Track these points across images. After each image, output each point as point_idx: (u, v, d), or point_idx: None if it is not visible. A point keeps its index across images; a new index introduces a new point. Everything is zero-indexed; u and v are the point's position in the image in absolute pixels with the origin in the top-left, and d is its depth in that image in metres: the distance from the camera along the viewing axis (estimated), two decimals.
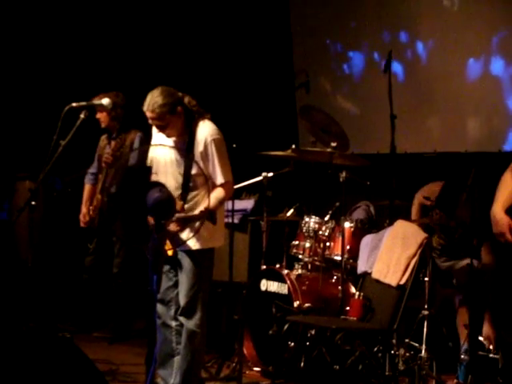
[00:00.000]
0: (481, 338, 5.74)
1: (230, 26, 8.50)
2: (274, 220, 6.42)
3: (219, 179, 4.88)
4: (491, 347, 5.62)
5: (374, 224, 6.28)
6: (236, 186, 6.23)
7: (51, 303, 7.33)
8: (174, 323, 5.04)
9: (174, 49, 8.49)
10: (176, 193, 4.77)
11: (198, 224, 4.76)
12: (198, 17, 8.55)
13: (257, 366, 6.04)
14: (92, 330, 7.07)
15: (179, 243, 4.84)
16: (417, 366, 5.39)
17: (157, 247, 4.46)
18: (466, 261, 5.80)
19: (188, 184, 4.86)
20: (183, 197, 4.83)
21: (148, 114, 4.83)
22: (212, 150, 4.88)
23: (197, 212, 4.78)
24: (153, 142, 5.11)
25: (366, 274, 5.55)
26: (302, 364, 5.56)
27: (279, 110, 8.37)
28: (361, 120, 7.97)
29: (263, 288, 6.05)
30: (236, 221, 6.22)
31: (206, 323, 5.00)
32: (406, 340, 5.62)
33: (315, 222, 6.06)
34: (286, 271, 5.94)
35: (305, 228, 6.08)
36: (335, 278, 5.97)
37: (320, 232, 6.03)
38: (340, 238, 5.73)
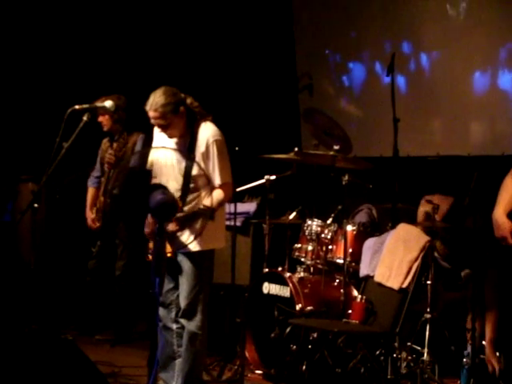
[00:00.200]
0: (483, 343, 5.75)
1: (233, 30, 8.50)
2: (276, 223, 6.42)
3: (218, 180, 4.87)
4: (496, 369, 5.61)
5: (376, 227, 6.27)
6: (238, 189, 6.26)
7: (54, 305, 7.34)
8: (174, 326, 5.04)
9: (177, 52, 8.49)
10: (176, 194, 4.78)
11: (198, 225, 4.77)
12: (202, 20, 8.55)
13: (259, 369, 6.04)
14: (94, 333, 7.06)
15: (179, 246, 4.84)
16: (419, 370, 5.37)
17: (159, 250, 4.46)
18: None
19: (188, 185, 4.86)
20: (183, 198, 4.82)
21: (151, 114, 4.84)
22: (213, 150, 4.88)
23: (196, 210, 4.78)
24: (154, 144, 5.12)
25: (369, 278, 5.55)
26: (304, 367, 5.55)
27: (282, 113, 8.37)
28: (364, 123, 7.97)
29: (265, 291, 6.05)
30: (238, 224, 6.22)
31: (206, 325, 5.00)
32: (408, 343, 5.61)
33: (317, 225, 6.05)
34: (288, 274, 5.94)
35: (307, 231, 6.08)
36: (337, 281, 5.97)
37: (322, 235, 6.02)
38: (342, 241, 5.73)
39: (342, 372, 5.31)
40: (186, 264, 4.92)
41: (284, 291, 5.89)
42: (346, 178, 5.71)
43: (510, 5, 6.92)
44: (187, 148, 4.91)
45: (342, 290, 5.60)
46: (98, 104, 4.91)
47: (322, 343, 5.53)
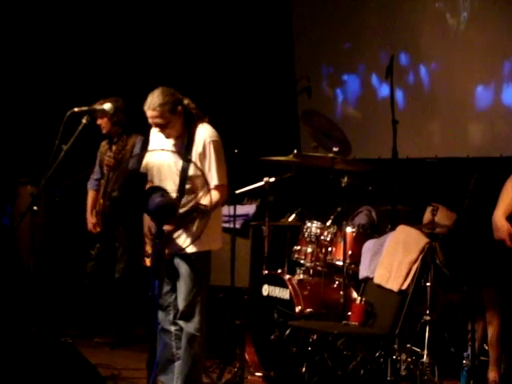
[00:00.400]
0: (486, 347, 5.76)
1: (232, 32, 8.51)
2: (275, 225, 6.42)
3: (214, 181, 4.86)
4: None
5: (375, 229, 6.27)
6: (238, 191, 6.26)
7: (53, 308, 7.34)
8: (173, 328, 5.04)
9: (176, 54, 8.50)
10: (173, 195, 4.77)
11: (195, 228, 4.78)
12: (201, 23, 8.56)
13: (258, 371, 6.04)
14: (94, 335, 7.06)
15: (176, 248, 4.84)
16: (418, 372, 5.38)
17: (158, 252, 4.46)
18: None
19: (184, 186, 4.85)
20: (179, 199, 4.81)
21: (149, 113, 4.85)
22: (210, 151, 4.88)
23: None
24: (150, 146, 5.12)
25: (368, 279, 5.55)
26: (304, 369, 5.54)
27: (281, 115, 8.38)
28: (362, 125, 7.97)
29: (265, 293, 6.05)
30: (238, 226, 6.22)
31: (205, 327, 4.99)
32: (408, 345, 5.61)
33: (317, 227, 6.05)
34: (287, 276, 5.94)
35: (306, 233, 6.08)
36: (337, 283, 5.96)
37: (322, 237, 6.02)
38: (342, 243, 5.73)
39: (342, 374, 5.31)
40: (183, 266, 4.92)
41: (283, 293, 5.89)
42: (346, 180, 5.71)
43: None
44: (184, 149, 4.91)
45: (341, 292, 5.60)
46: (97, 106, 4.90)
47: (321, 345, 5.53)
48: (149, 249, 4.98)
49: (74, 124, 4.29)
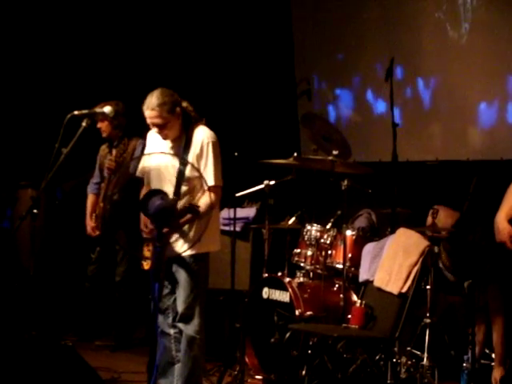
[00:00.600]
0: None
1: (232, 35, 8.51)
2: (275, 228, 6.42)
3: (210, 181, 4.86)
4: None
5: (375, 232, 6.27)
6: (238, 194, 6.26)
7: (53, 311, 7.34)
8: (172, 331, 5.04)
9: (176, 57, 8.51)
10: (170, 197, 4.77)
11: (192, 231, 4.79)
12: (201, 26, 8.57)
13: (258, 375, 6.03)
14: (94, 339, 7.06)
15: (174, 251, 4.84)
16: (419, 375, 5.37)
17: (158, 255, 4.46)
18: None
19: (180, 188, 4.86)
20: (176, 201, 4.80)
21: (147, 113, 4.86)
22: (208, 151, 4.89)
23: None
24: (147, 149, 5.13)
25: (368, 282, 5.55)
26: (304, 372, 5.54)
27: (281, 118, 8.38)
28: (362, 128, 7.97)
29: (265, 296, 6.05)
30: (238, 229, 6.22)
31: (204, 329, 4.99)
32: (408, 348, 5.61)
33: (317, 230, 6.05)
34: (287, 279, 5.94)
35: (307, 236, 6.08)
36: (337, 286, 5.96)
37: (322, 240, 6.02)
38: (342, 246, 5.73)
39: (342, 377, 5.31)
40: (181, 268, 4.92)
41: (284, 296, 5.89)
42: (346, 182, 5.71)
43: None
44: (181, 150, 4.92)
45: (341, 295, 5.59)
46: (97, 110, 4.90)
47: (321, 348, 5.53)
48: (146, 252, 4.99)
49: (74, 127, 4.30)
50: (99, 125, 6.85)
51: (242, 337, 5.89)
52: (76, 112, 4.33)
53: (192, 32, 8.57)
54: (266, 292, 6.05)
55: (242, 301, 6.18)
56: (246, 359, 5.97)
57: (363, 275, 5.63)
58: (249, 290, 6.31)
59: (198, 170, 4.80)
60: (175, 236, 4.82)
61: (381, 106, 7.51)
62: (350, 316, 5.42)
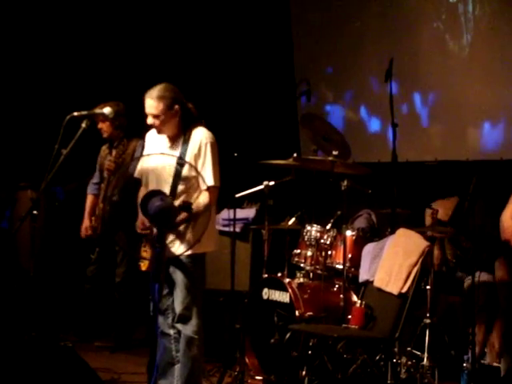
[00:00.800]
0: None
1: (231, 36, 8.52)
2: (275, 229, 6.42)
3: (209, 182, 4.86)
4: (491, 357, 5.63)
5: (375, 232, 6.27)
6: (237, 195, 6.26)
7: (53, 312, 7.34)
8: (172, 331, 5.03)
9: (175, 58, 8.50)
10: None
11: (189, 232, 4.79)
12: (201, 27, 8.57)
13: (258, 375, 6.03)
14: (94, 339, 7.06)
15: (170, 253, 4.83)
16: (419, 375, 5.37)
17: (158, 256, 4.46)
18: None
19: (176, 188, 4.86)
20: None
21: (146, 102, 4.90)
22: (206, 151, 4.90)
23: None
24: (145, 151, 5.13)
25: (368, 283, 5.55)
26: (304, 372, 5.54)
27: (280, 119, 8.38)
28: (362, 128, 7.96)
29: (265, 297, 6.04)
30: (238, 230, 6.23)
31: (203, 329, 4.99)
32: (408, 348, 5.61)
33: (317, 231, 6.05)
34: (287, 280, 5.94)
35: (306, 236, 6.08)
36: (337, 286, 5.96)
37: (322, 240, 6.02)
38: (342, 247, 5.73)
39: (342, 377, 5.30)
40: (178, 269, 4.92)
41: (283, 297, 5.88)
42: (345, 183, 5.71)
43: None
44: (180, 150, 4.92)
45: (341, 296, 5.59)
46: (97, 111, 4.91)
47: (321, 349, 5.53)
48: (143, 253, 4.98)
49: (73, 128, 4.30)
50: (100, 125, 6.85)
51: (242, 337, 5.89)
52: (75, 113, 4.33)
53: (192, 32, 8.57)
54: (265, 293, 6.05)
55: (242, 301, 6.18)
56: (246, 360, 5.97)
57: (363, 275, 5.64)
58: (249, 290, 6.31)
59: (196, 169, 4.80)
60: (172, 237, 4.82)
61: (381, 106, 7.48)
62: (350, 316, 5.42)
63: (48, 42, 8.30)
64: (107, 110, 4.76)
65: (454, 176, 6.93)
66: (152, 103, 4.88)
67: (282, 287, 5.90)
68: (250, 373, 6.04)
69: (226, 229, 6.25)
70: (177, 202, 4.74)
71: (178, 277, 4.92)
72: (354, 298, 5.80)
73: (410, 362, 5.46)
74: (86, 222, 6.98)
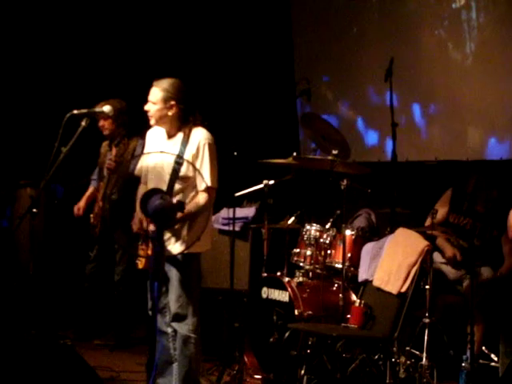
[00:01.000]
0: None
1: (231, 35, 8.52)
2: (275, 228, 6.42)
3: (208, 182, 4.86)
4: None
5: (375, 232, 6.28)
6: (237, 194, 6.26)
7: (52, 311, 7.33)
8: (169, 330, 5.04)
9: (176, 57, 8.50)
10: None
11: (185, 231, 4.79)
12: (201, 26, 8.57)
13: (257, 374, 6.03)
14: (93, 338, 7.06)
15: (166, 252, 4.83)
16: (418, 374, 5.38)
17: (157, 255, 4.46)
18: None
19: (173, 187, 4.86)
20: None
21: (151, 88, 4.96)
22: (204, 152, 4.90)
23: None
24: (146, 150, 5.14)
25: (367, 282, 5.55)
26: (303, 372, 5.54)
27: (280, 118, 8.38)
28: (362, 128, 7.96)
29: (264, 296, 6.05)
30: (237, 229, 6.22)
31: (200, 328, 4.99)
32: (407, 348, 5.61)
33: (316, 230, 6.05)
34: (286, 279, 5.94)
35: (306, 236, 6.08)
36: (336, 285, 5.97)
37: (321, 240, 6.02)
38: (341, 246, 5.73)
39: (341, 377, 5.31)
40: (173, 268, 4.92)
41: (283, 296, 5.89)
42: (345, 182, 5.71)
43: None
44: (179, 150, 4.93)
45: (340, 295, 5.60)
46: (97, 109, 4.91)
47: (320, 348, 5.53)
48: (140, 251, 4.98)
49: (74, 126, 4.30)
50: (101, 123, 6.85)
51: (241, 336, 5.89)
52: (75, 111, 4.33)
53: (192, 32, 8.57)
54: (265, 292, 6.05)
55: (241, 300, 6.18)
56: (245, 358, 5.98)
57: (362, 275, 5.64)
58: (248, 289, 6.31)
59: (194, 167, 4.80)
60: (167, 235, 4.81)
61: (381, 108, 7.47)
62: (349, 316, 5.42)
63: (49, 41, 8.30)
64: (107, 108, 4.76)
65: (453, 176, 6.93)
66: (154, 90, 4.94)
67: (282, 286, 5.91)
68: (249, 371, 6.04)
69: (226, 228, 6.26)
70: (173, 201, 4.74)
71: (173, 275, 4.92)
72: (354, 297, 5.80)
73: (408, 362, 5.47)
74: (80, 203, 7.02)
